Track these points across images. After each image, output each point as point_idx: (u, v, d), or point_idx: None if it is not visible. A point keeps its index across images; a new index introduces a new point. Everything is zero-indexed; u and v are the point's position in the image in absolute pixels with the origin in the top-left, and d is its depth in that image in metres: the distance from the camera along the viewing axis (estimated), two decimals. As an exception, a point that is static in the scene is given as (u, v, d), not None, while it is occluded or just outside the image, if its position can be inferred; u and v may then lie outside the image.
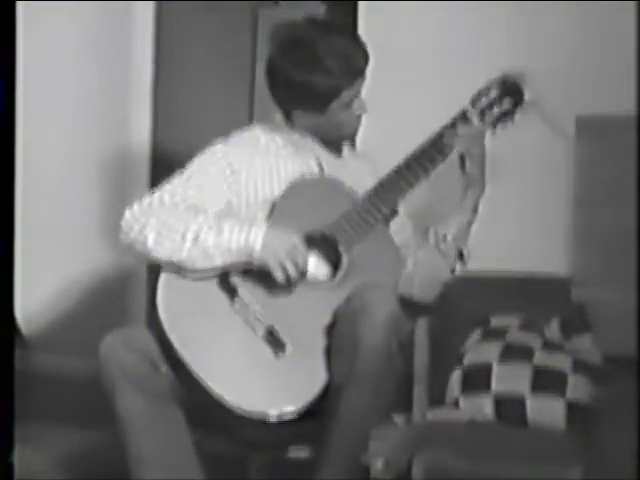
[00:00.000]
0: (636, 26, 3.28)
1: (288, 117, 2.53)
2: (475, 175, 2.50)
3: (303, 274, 2.37)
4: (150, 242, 2.36)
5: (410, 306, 2.53)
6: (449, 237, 2.54)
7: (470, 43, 3.48)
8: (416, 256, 2.55)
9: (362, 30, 3.60)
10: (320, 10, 3.94)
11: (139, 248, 2.39)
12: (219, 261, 2.35)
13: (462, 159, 2.49)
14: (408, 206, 2.59)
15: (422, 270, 2.55)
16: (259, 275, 2.38)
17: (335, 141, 2.56)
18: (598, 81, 3.32)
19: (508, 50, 3.36)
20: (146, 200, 2.44)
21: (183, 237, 2.35)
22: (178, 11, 4.05)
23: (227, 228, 2.35)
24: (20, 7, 2.89)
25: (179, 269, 2.37)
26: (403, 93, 3.54)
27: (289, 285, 2.36)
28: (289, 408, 2.28)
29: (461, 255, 2.55)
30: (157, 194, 2.46)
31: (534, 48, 3.37)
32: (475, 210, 2.54)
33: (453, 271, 2.56)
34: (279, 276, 2.33)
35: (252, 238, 2.33)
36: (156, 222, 2.38)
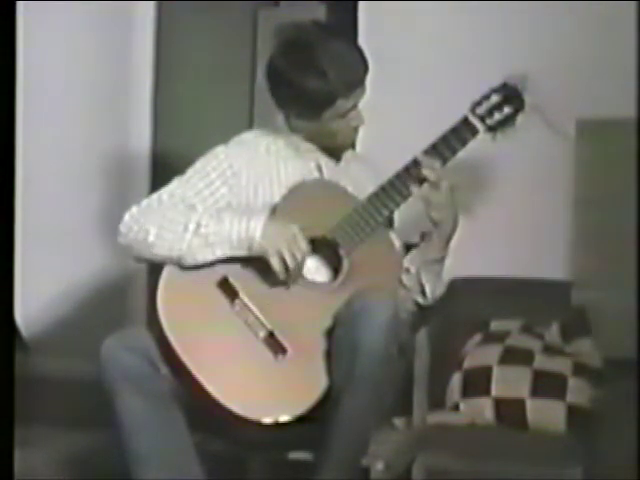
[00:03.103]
0: (636, 27, 3.28)
1: (287, 118, 2.53)
2: (437, 219, 2.48)
3: (301, 267, 2.36)
4: (151, 237, 2.37)
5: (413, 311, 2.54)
6: (412, 270, 2.53)
7: (471, 46, 3.48)
8: None
9: (362, 32, 3.61)
10: (320, 11, 3.94)
11: (139, 246, 2.39)
12: (219, 252, 2.35)
13: (427, 199, 2.46)
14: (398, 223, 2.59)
15: None
16: (262, 276, 2.38)
17: (331, 149, 2.55)
18: (598, 83, 3.31)
19: (509, 53, 3.35)
20: (145, 202, 2.45)
21: (185, 227, 2.35)
22: (178, 11, 4.05)
23: (227, 218, 2.35)
24: (20, 7, 2.88)
25: (179, 262, 2.37)
26: (403, 96, 3.54)
27: (287, 277, 2.35)
28: (286, 416, 2.28)
29: (423, 290, 2.54)
30: (156, 195, 2.47)
31: (535, 50, 3.36)
32: (446, 247, 2.51)
33: (417, 304, 2.55)
34: (276, 265, 2.33)
35: (252, 227, 2.34)
36: (156, 217, 2.38)
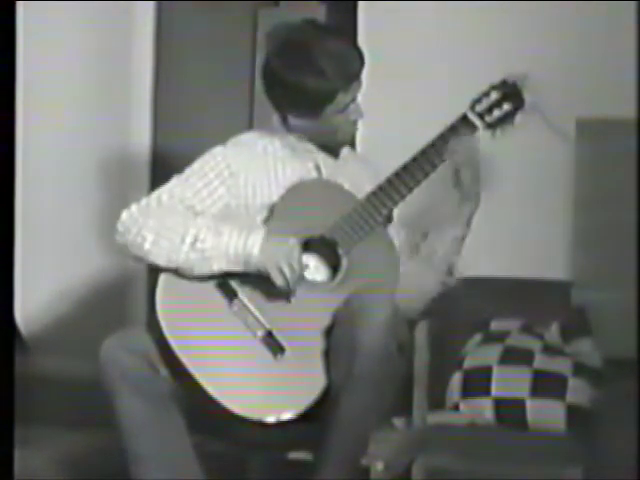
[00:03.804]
0: (636, 26, 3.28)
1: (284, 119, 2.53)
2: (470, 188, 2.49)
3: (301, 276, 2.37)
4: (147, 244, 2.37)
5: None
6: (440, 250, 2.53)
7: (470, 46, 3.48)
8: (405, 268, 2.53)
9: (362, 32, 3.61)
10: (320, 11, 3.93)
11: (135, 251, 2.39)
12: (216, 266, 2.35)
13: (457, 172, 2.48)
14: (402, 214, 2.58)
15: (411, 281, 2.52)
16: (258, 279, 2.38)
17: (331, 146, 2.55)
18: (598, 83, 3.32)
19: (509, 53, 3.35)
20: (144, 201, 2.45)
21: (182, 239, 2.35)
22: (178, 11, 4.04)
23: (226, 231, 2.35)
24: (20, 7, 2.89)
25: (176, 272, 2.37)
26: (403, 95, 3.54)
27: (288, 289, 2.36)
28: (286, 415, 2.28)
29: (451, 270, 2.54)
30: (155, 194, 2.46)
31: (535, 50, 3.37)
32: (468, 225, 2.52)
33: (442, 285, 2.55)
34: (278, 280, 2.33)
35: (250, 244, 2.34)
36: (154, 224, 2.38)
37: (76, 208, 3.63)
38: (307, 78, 2.41)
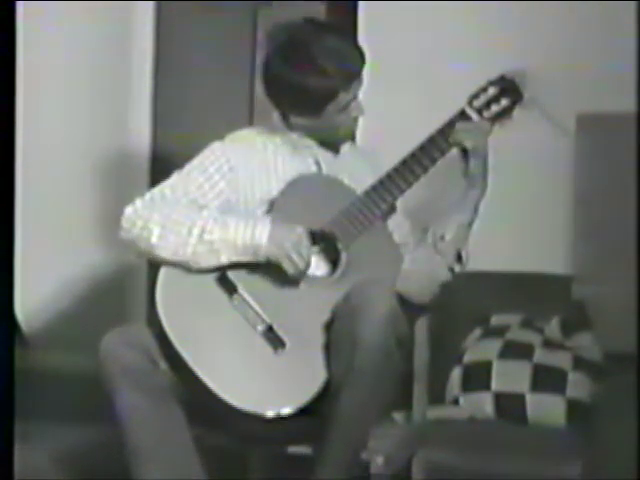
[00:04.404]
0: (636, 26, 3.29)
1: (285, 117, 2.53)
2: (478, 175, 2.49)
3: (309, 265, 2.37)
4: (154, 238, 2.36)
5: (411, 304, 2.53)
6: (447, 237, 2.52)
7: (470, 42, 3.49)
8: (414, 255, 2.54)
9: (362, 30, 3.62)
10: (320, 10, 3.95)
11: (142, 245, 2.39)
12: (224, 258, 2.35)
13: (465, 158, 2.49)
14: (407, 204, 2.59)
15: (419, 269, 2.53)
16: (258, 272, 2.38)
17: (332, 142, 2.55)
18: (598, 79, 3.32)
19: (509, 49, 3.36)
20: (147, 195, 2.45)
21: (189, 232, 2.35)
22: (178, 11, 4.06)
23: (232, 223, 2.35)
24: (20, 7, 2.89)
25: (182, 266, 2.37)
26: (403, 93, 3.55)
27: (298, 277, 2.36)
28: (286, 409, 2.29)
29: (459, 256, 2.55)
30: (158, 189, 2.47)
31: (534, 46, 3.38)
32: (476, 211, 2.52)
33: (451, 272, 2.55)
34: (289, 269, 2.33)
35: (258, 233, 2.34)
36: (160, 217, 2.38)
37: (76, 205, 3.63)
38: (308, 77, 2.41)
